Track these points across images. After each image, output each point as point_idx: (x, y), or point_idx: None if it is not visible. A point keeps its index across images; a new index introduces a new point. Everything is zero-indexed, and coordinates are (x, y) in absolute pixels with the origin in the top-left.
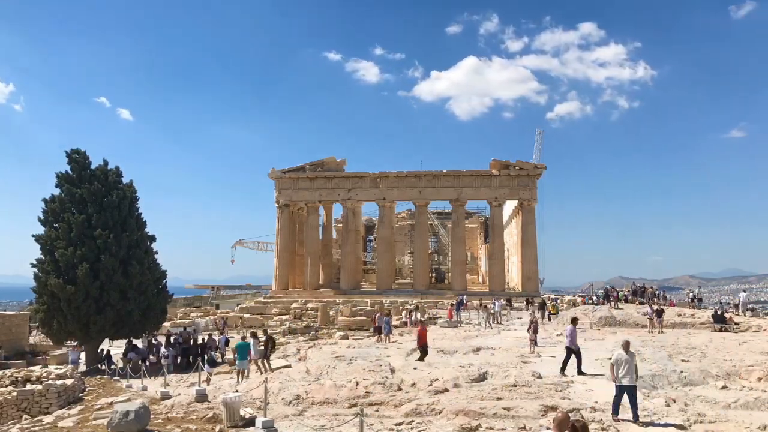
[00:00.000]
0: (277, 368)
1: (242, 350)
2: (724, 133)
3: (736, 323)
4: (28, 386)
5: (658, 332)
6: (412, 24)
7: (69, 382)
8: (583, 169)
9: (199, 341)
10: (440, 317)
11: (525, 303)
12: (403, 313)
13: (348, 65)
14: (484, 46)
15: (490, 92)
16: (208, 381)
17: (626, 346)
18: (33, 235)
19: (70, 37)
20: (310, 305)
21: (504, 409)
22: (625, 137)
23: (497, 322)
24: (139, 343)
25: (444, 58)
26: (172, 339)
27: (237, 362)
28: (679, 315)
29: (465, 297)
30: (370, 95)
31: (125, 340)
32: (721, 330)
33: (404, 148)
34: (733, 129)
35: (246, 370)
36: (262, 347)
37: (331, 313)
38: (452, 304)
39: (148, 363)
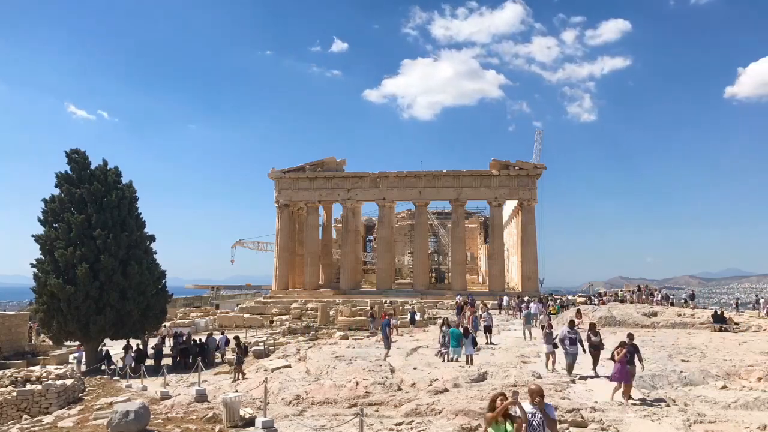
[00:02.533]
0: (276, 368)
1: None
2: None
3: (735, 323)
4: (28, 386)
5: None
6: None
7: (69, 382)
8: (582, 168)
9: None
10: (440, 318)
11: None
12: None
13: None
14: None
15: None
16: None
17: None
18: (33, 235)
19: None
20: (309, 305)
21: None
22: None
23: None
24: (134, 343)
25: None
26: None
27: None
28: (679, 315)
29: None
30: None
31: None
32: (720, 330)
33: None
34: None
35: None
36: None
37: (331, 313)
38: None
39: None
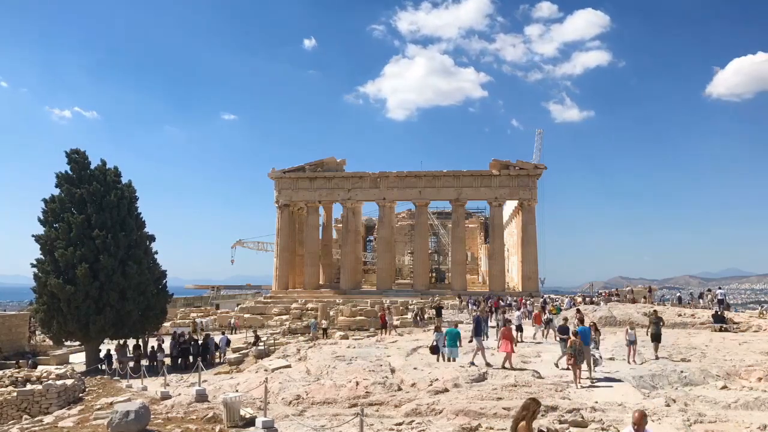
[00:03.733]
0: (276, 368)
1: None
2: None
3: (736, 323)
4: (28, 386)
5: None
6: None
7: (69, 382)
8: (583, 168)
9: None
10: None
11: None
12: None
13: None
14: None
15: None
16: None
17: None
18: (33, 235)
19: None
20: (310, 305)
21: (504, 409)
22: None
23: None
24: (130, 343)
25: None
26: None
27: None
28: (679, 315)
29: (470, 296)
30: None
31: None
32: (721, 330)
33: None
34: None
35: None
36: None
37: (331, 313)
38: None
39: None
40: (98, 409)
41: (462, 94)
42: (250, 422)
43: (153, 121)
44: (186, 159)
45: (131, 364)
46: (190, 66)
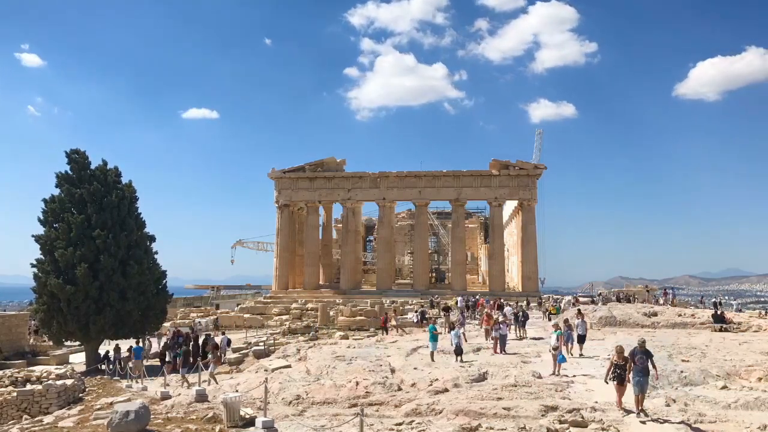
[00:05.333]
0: (276, 368)
1: None
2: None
3: (736, 323)
4: (28, 386)
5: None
6: None
7: (69, 382)
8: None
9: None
10: (440, 317)
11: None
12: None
13: None
14: None
15: None
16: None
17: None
18: (33, 235)
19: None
20: (310, 305)
21: (504, 409)
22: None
23: None
24: (124, 344)
25: None
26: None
27: None
28: (679, 315)
29: (465, 296)
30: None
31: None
32: (721, 330)
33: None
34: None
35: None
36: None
37: (331, 313)
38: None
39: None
40: (98, 409)
41: (433, 92)
42: (250, 422)
43: (155, 120)
44: (186, 159)
45: (130, 364)
46: (159, 64)
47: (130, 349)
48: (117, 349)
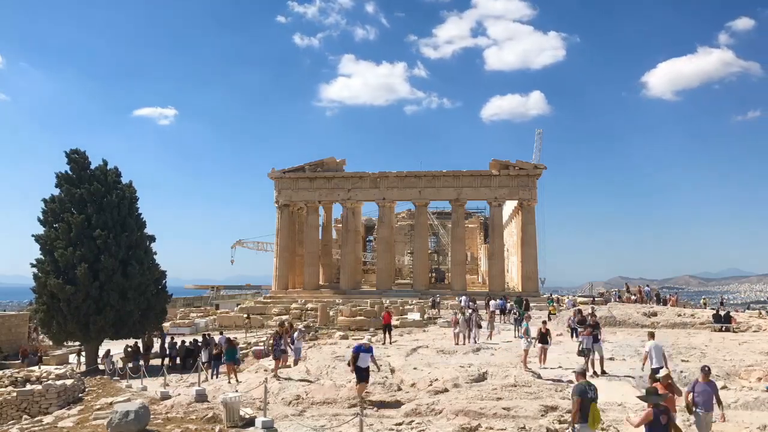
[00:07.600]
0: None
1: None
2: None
3: (736, 323)
4: (28, 386)
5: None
6: None
7: (69, 382)
8: (583, 167)
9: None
10: (440, 317)
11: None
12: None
13: None
14: None
15: None
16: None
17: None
18: (33, 235)
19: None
20: (309, 305)
21: (504, 409)
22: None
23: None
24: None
25: None
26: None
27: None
28: (679, 315)
29: (466, 297)
30: None
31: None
32: (721, 330)
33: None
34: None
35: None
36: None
37: (330, 313)
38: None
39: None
40: (98, 409)
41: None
42: (250, 422)
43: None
44: (186, 159)
45: (130, 364)
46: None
47: (126, 350)
48: (107, 353)
